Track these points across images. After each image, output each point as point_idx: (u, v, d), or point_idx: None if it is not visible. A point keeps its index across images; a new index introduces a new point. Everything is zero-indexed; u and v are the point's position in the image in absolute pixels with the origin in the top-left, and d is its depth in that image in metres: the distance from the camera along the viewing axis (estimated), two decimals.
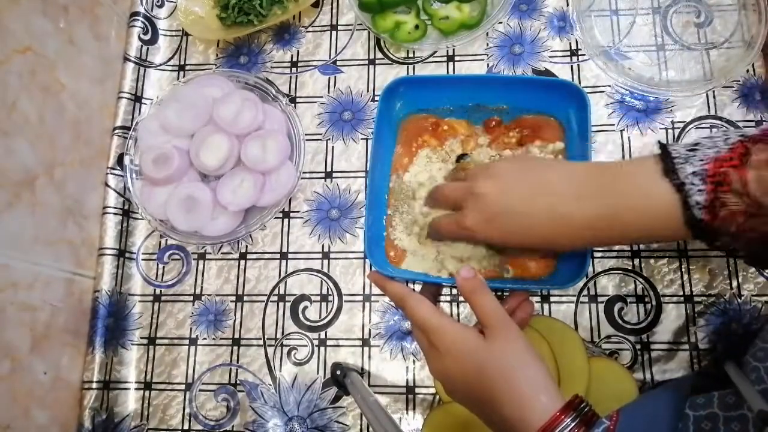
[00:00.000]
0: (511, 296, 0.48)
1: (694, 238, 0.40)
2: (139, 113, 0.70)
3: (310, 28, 0.72)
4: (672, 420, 0.40)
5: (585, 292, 0.60)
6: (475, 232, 0.47)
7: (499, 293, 0.58)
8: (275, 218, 0.66)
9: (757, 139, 0.38)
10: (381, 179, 0.56)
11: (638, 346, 0.58)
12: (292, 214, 0.66)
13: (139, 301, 0.66)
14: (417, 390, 0.60)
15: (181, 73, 0.73)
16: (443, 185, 0.53)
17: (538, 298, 0.60)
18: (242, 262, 0.65)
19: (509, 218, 0.45)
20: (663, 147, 0.41)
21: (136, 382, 0.63)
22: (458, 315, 0.61)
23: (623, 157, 0.63)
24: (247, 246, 0.66)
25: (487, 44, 0.68)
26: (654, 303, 0.59)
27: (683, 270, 0.59)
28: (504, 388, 0.40)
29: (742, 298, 0.58)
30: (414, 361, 0.60)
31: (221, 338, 0.63)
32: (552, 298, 0.60)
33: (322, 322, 0.63)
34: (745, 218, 0.38)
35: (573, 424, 0.37)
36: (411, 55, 0.69)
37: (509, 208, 0.45)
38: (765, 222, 0.37)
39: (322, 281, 0.64)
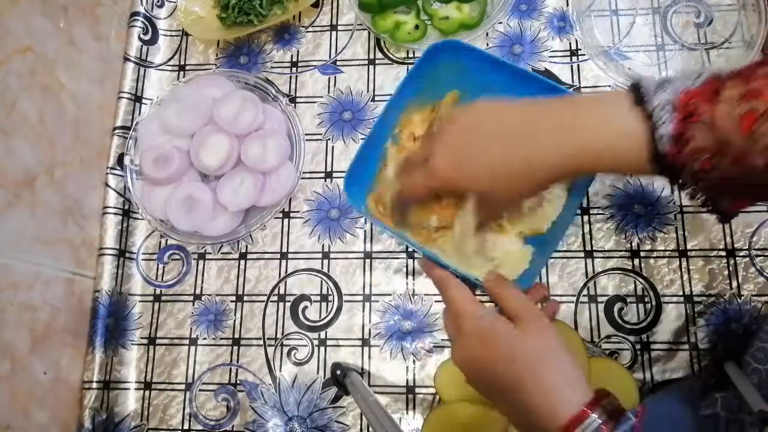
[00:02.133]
0: (532, 291, 0.49)
1: (657, 174, 0.40)
2: (139, 113, 0.70)
3: (310, 28, 0.72)
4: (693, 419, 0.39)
5: (585, 292, 0.60)
6: (442, 175, 0.46)
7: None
8: (275, 218, 0.66)
9: (731, 76, 0.37)
10: (385, 126, 0.57)
11: (638, 346, 0.58)
12: (292, 214, 0.66)
13: (139, 301, 0.66)
14: (417, 390, 0.60)
15: (181, 73, 0.73)
16: (412, 152, 0.54)
17: None
18: (242, 262, 0.65)
19: (472, 157, 0.45)
20: (634, 82, 0.40)
21: (136, 382, 0.63)
22: None
23: None
24: (247, 246, 0.66)
25: (487, 44, 0.68)
26: (654, 303, 0.59)
27: (683, 270, 0.59)
28: (535, 377, 0.39)
29: (742, 298, 0.58)
30: (414, 361, 0.60)
31: (221, 338, 0.63)
32: (552, 298, 0.60)
33: (322, 322, 0.63)
34: (711, 155, 0.37)
35: (601, 421, 0.37)
36: (411, 55, 0.69)
37: (474, 149, 0.45)
38: (728, 162, 0.36)
39: (322, 281, 0.64)
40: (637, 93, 0.39)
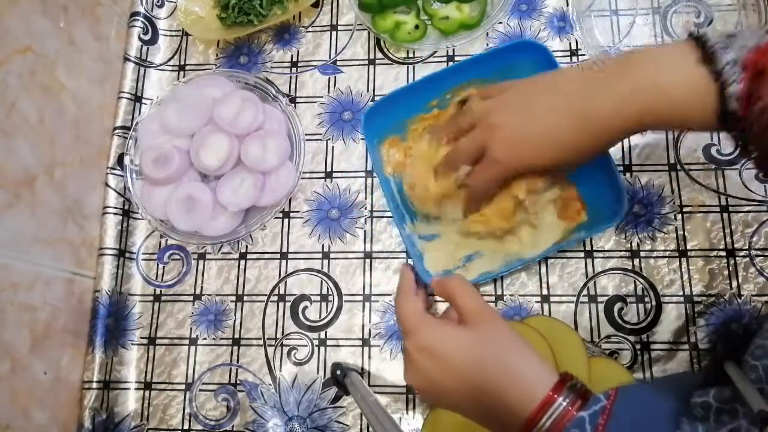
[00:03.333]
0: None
1: (720, 130, 0.39)
2: (139, 113, 0.70)
3: (310, 28, 0.72)
4: (674, 410, 0.39)
5: (585, 292, 0.60)
6: (504, 163, 0.46)
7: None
8: (275, 218, 0.66)
9: None
10: (439, 84, 0.61)
11: (638, 346, 0.58)
12: (292, 214, 0.66)
13: (139, 301, 0.66)
14: None
15: (181, 73, 0.73)
16: (456, 144, 0.52)
17: (538, 298, 0.60)
18: (242, 262, 0.65)
19: (534, 137, 0.45)
20: (696, 37, 0.39)
21: (136, 382, 0.63)
22: None
23: (623, 157, 0.63)
24: (247, 246, 0.66)
25: (487, 44, 0.68)
26: (654, 303, 0.59)
27: (683, 270, 0.59)
28: (497, 374, 0.39)
29: (742, 298, 0.58)
30: None
31: (221, 338, 0.63)
32: (552, 298, 0.60)
33: (322, 322, 0.63)
34: None
35: (566, 402, 0.37)
36: (411, 55, 0.69)
37: (531, 127, 0.44)
38: None
39: (322, 281, 0.64)
40: (704, 49, 0.38)
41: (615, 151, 0.63)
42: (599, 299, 0.60)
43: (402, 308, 0.45)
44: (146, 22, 0.73)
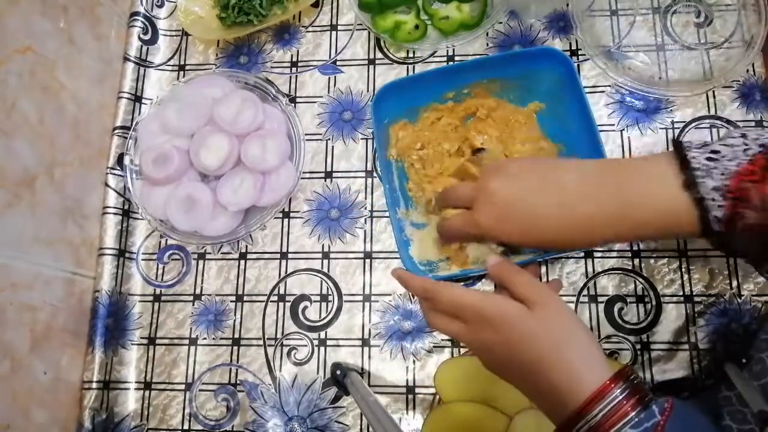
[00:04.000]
0: (530, 268, 0.49)
1: (709, 243, 0.41)
2: (139, 113, 0.70)
3: (310, 28, 0.72)
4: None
5: (585, 292, 0.60)
6: (485, 229, 0.47)
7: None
8: (275, 218, 0.66)
9: None
10: (457, 77, 0.61)
11: (638, 346, 0.58)
12: (292, 214, 0.66)
13: (139, 301, 0.66)
14: (417, 390, 0.60)
15: (181, 73, 0.73)
16: (454, 185, 0.54)
17: None
18: (242, 262, 0.65)
19: (520, 216, 0.45)
20: (682, 155, 0.41)
21: (136, 382, 0.63)
22: None
23: (622, 157, 0.63)
24: (247, 246, 0.66)
25: (487, 44, 0.68)
26: (654, 303, 0.59)
27: (683, 270, 0.59)
28: (554, 356, 0.39)
29: (742, 298, 0.58)
30: (414, 361, 0.60)
31: (221, 338, 0.63)
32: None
33: (322, 322, 0.63)
34: (762, 229, 0.38)
35: (622, 396, 0.36)
36: (411, 55, 0.69)
37: (521, 205, 0.45)
38: None
39: (322, 281, 0.64)
40: (687, 173, 0.40)
41: (615, 152, 0.63)
42: (599, 299, 0.60)
43: (448, 293, 0.44)
44: (146, 22, 0.73)
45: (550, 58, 0.58)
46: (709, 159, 0.39)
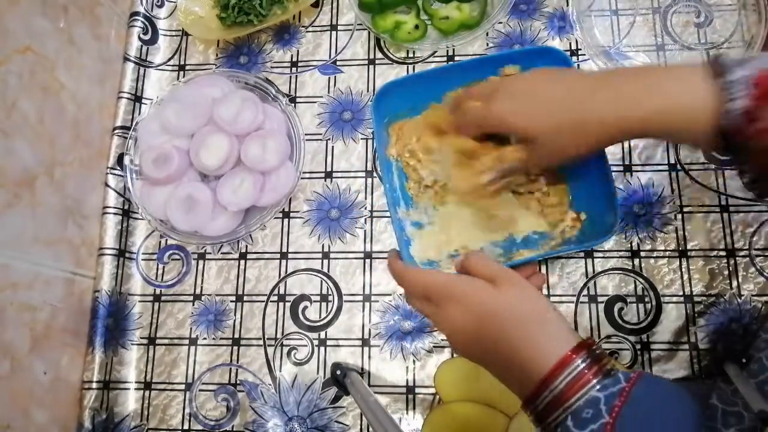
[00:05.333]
0: (521, 269, 0.48)
1: (715, 149, 0.40)
2: (139, 113, 0.70)
3: (310, 28, 0.72)
4: (694, 411, 0.39)
5: (585, 292, 0.60)
6: (500, 116, 0.47)
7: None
8: (275, 218, 0.66)
9: None
10: (458, 75, 0.59)
11: (638, 346, 0.58)
12: (292, 214, 0.66)
13: (139, 301, 0.66)
14: (417, 390, 0.60)
15: (181, 73, 0.73)
16: (471, 87, 0.53)
17: None
18: (242, 262, 0.65)
19: (539, 106, 0.45)
20: (715, 58, 0.40)
21: (136, 382, 0.63)
22: None
23: (623, 157, 0.63)
24: (247, 246, 0.66)
25: (487, 44, 0.68)
26: (654, 303, 0.59)
27: (683, 270, 0.59)
28: (520, 332, 0.39)
29: (742, 298, 0.58)
30: (414, 361, 0.60)
31: (221, 338, 0.63)
32: (552, 298, 0.60)
33: (322, 322, 0.63)
34: None
35: (584, 365, 0.36)
36: (411, 55, 0.69)
37: (540, 97, 0.46)
38: None
39: (322, 281, 0.64)
40: (716, 66, 0.39)
41: (615, 151, 0.63)
42: (599, 299, 0.60)
43: (419, 276, 0.44)
44: (146, 22, 0.73)
45: (551, 57, 0.58)
46: (742, 59, 0.39)
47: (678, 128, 0.41)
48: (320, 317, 0.63)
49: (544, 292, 0.60)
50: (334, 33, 0.72)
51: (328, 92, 0.69)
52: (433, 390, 0.59)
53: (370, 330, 0.62)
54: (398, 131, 0.62)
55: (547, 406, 0.36)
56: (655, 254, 0.60)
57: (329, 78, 0.70)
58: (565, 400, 0.35)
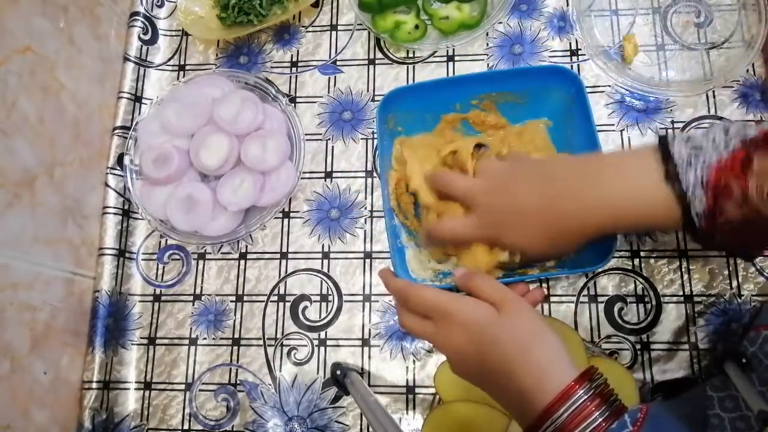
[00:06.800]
0: (516, 286, 0.49)
1: (690, 237, 0.42)
2: (139, 113, 0.70)
3: (310, 28, 0.72)
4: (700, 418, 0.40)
5: (585, 292, 0.60)
6: (482, 238, 0.49)
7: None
8: (275, 218, 0.66)
9: (758, 144, 0.39)
10: (462, 90, 0.61)
11: (638, 346, 0.58)
12: (292, 214, 0.66)
13: (139, 301, 0.66)
14: (417, 390, 0.60)
15: (181, 73, 0.73)
16: (455, 174, 0.54)
17: None
18: (242, 262, 0.65)
19: (517, 224, 0.47)
20: (664, 146, 0.42)
21: (136, 382, 0.63)
22: None
23: None
24: (247, 246, 0.66)
25: (487, 44, 0.68)
26: (654, 303, 0.59)
27: (683, 270, 0.59)
28: (521, 360, 0.39)
29: (742, 298, 0.58)
30: (414, 361, 0.60)
31: (221, 338, 0.63)
32: (552, 298, 0.60)
33: (322, 322, 0.63)
34: (742, 224, 0.38)
35: (586, 396, 0.36)
36: (411, 55, 0.69)
37: (518, 212, 0.47)
38: (760, 226, 0.38)
39: (322, 281, 0.64)
40: (668, 166, 0.41)
41: (617, 150, 0.63)
42: (599, 299, 0.60)
43: (422, 294, 0.45)
44: (146, 22, 0.73)
45: (562, 76, 0.58)
46: (690, 152, 0.40)
47: (647, 226, 0.46)
48: (320, 317, 0.63)
49: (544, 292, 0.60)
50: (334, 33, 0.72)
51: (328, 92, 0.69)
52: (433, 390, 0.59)
53: (370, 330, 0.62)
54: (397, 146, 0.61)
55: None
56: (655, 254, 0.60)
57: (329, 78, 0.70)
58: None
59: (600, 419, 0.36)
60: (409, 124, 0.62)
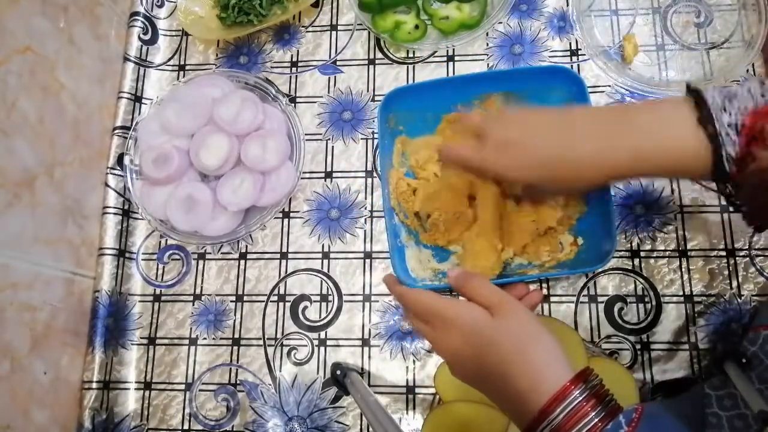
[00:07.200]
0: (513, 287, 0.49)
1: (713, 182, 0.41)
2: (139, 113, 0.70)
3: (310, 28, 0.72)
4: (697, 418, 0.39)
5: (585, 292, 0.60)
6: (494, 170, 0.48)
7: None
8: (275, 218, 0.66)
9: None
10: (463, 90, 0.60)
11: (638, 346, 0.58)
12: (292, 214, 0.66)
13: (139, 301, 0.66)
14: (417, 390, 0.60)
15: (181, 73, 0.73)
16: (469, 116, 0.54)
17: None
18: (242, 262, 0.65)
19: (530, 156, 0.46)
20: (696, 92, 0.41)
21: (136, 382, 0.63)
22: None
23: None
24: (247, 246, 0.66)
25: (487, 44, 0.68)
26: (654, 303, 0.59)
27: (683, 270, 0.59)
28: (517, 361, 0.39)
29: (742, 298, 0.58)
30: (414, 361, 0.60)
31: (221, 338, 0.63)
32: (552, 298, 0.60)
33: (322, 322, 0.63)
34: None
35: (582, 397, 0.37)
36: (411, 55, 0.69)
37: (530, 146, 0.46)
38: None
39: (322, 281, 0.64)
40: (702, 110, 0.40)
41: None
42: (599, 299, 0.60)
43: (419, 298, 0.45)
44: (146, 22, 0.73)
45: (563, 76, 0.58)
46: (725, 99, 0.39)
47: (671, 170, 0.43)
48: (320, 317, 0.63)
49: (544, 292, 0.60)
50: (334, 33, 0.72)
51: (328, 92, 0.69)
52: (433, 390, 0.59)
53: (370, 330, 0.62)
54: (398, 146, 0.61)
55: None
56: (655, 254, 0.60)
57: (329, 78, 0.70)
58: None
59: (596, 419, 0.36)
60: (410, 124, 0.61)
